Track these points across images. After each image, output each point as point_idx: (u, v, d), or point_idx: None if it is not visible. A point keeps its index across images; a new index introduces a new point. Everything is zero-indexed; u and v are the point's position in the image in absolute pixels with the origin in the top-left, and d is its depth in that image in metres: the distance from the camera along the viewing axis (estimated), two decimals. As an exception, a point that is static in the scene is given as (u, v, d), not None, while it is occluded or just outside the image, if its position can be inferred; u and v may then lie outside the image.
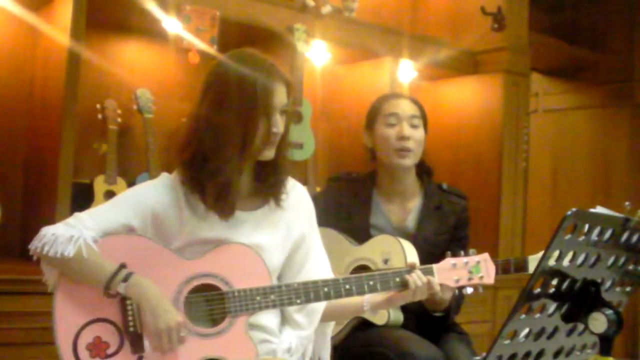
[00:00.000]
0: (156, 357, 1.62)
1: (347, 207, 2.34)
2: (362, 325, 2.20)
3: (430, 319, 2.19)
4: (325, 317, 1.84)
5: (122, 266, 1.63)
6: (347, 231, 2.31)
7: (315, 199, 2.45)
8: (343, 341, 2.24)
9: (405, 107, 2.33)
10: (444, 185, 2.39)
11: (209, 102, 1.69)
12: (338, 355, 2.26)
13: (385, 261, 2.19)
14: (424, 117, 2.36)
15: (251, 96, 1.65)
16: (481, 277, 1.83)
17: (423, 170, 2.39)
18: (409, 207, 2.35)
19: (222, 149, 1.66)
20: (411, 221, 2.33)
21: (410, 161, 2.30)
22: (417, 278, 1.76)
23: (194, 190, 1.71)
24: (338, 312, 1.85)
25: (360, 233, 2.29)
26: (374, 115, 2.37)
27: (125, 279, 1.61)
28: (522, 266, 2.12)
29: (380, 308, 1.84)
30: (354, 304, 1.82)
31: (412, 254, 2.16)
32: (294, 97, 2.28)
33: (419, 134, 2.32)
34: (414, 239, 2.25)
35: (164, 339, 1.59)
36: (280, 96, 1.70)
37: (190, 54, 2.95)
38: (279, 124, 1.70)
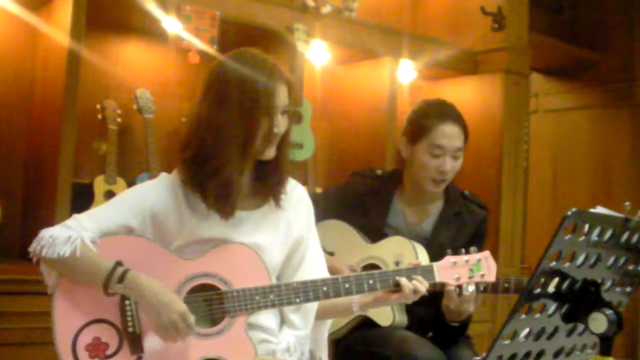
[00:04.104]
0: (155, 358, 1.63)
1: (366, 204, 2.31)
2: (364, 325, 2.20)
3: (445, 329, 2.16)
4: (315, 316, 1.83)
5: (118, 264, 1.62)
6: (362, 228, 2.29)
7: (335, 191, 2.43)
8: (344, 338, 2.24)
9: (454, 141, 2.22)
10: (466, 192, 2.35)
11: (209, 102, 1.68)
12: (339, 353, 2.26)
13: (397, 263, 2.16)
14: (466, 143, 2.28)
15: (253, 96, 1.65)
16: (482, 275, 1.82)
17: None
18: (429, 211, 2.32)
19: (223, 148, 1.66)
20: (428, 225, 2.30)
21: (441, 188, 2.27)
22: (408, 283, 1.74)
23: (195, 189, 1.70)
24: (328, 312, 1.85)
25: (375, 231, 2.27)
26: (420, 132, 2.24)
27: (122, 278, 1.60)
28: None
29: (369, 307, 1.83)
30: (342, 304, 1.82)
31: (424, 258, 2.12)
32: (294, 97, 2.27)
33: (458, 164, 2.26)
34: (429, 243, 2.22)
35: (170, 332, 1.59)
36: (281, 96, 1.70)
37: (190, 54, 2.95)
38: (280, 124, 1.71)
